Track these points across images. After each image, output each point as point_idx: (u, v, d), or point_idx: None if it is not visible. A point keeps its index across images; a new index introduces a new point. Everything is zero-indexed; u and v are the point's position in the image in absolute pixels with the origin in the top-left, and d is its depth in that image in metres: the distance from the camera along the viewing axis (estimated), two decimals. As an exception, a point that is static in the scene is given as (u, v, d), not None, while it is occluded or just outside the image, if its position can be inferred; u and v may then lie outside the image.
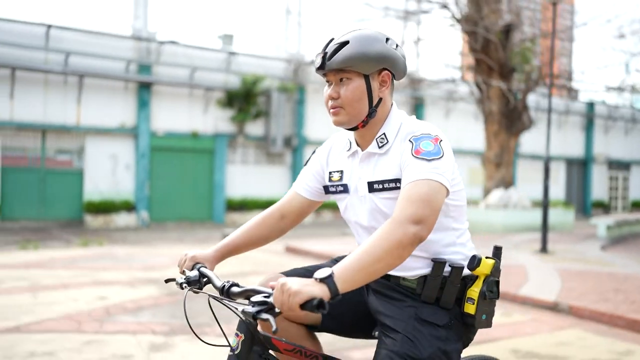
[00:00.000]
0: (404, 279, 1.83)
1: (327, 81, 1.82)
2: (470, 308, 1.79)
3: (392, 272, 1.82)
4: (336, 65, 1.74)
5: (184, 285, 1.79)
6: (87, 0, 33.48)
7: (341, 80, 1.78)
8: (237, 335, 1.70)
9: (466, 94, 21.65)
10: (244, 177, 18.89)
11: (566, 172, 27.16)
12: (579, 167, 27.71)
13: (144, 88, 16.99)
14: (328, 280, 1.44)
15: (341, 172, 1.93)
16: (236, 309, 1.63)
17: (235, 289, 1.65)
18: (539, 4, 21.33)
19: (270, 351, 1.73)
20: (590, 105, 27.29)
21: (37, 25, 15.68)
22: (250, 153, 19.18)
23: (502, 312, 5.80)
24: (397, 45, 1.83)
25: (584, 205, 27.19)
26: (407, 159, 1.70)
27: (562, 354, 4.48)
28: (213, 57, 18.27)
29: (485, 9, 14.19)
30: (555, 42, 11.27)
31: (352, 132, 1.90)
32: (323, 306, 1.39)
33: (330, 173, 1.96)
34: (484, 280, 1.79)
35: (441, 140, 1.72)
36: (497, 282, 1.82)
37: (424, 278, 1.81)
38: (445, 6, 14.42)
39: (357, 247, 1.60)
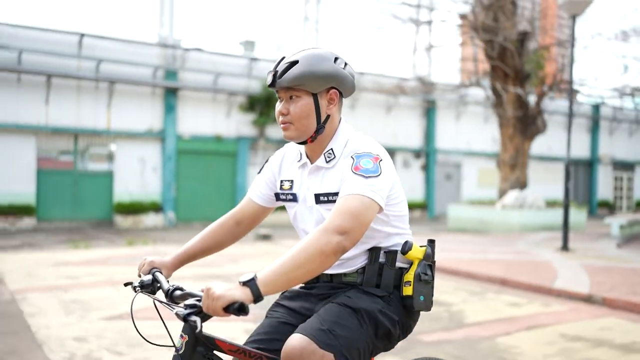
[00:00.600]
0: (345, 275, 1.94)
1: (279, 97, 1.92)
2: (408, 290, 1.90)
3: (333, 271, 1.94)
4: (286, 83, 1.83)
5: (137, 288, 1.90)
6: (116, 10, 34.24)
7: (291, 97, 1.87)
8: (181, 336, 1.76)
9: (477, 97, 22.33)
10: (264, 179, 19.55)
11: (572, 173, 27.83)
12: (585, 168, 28.39)
13: (171, 93, 17.63)
14: (251, 284, 1.51)
15: (291, 181, 2.01)
16: (174, 311, 1.69)
17: (177, 293, 1.77)
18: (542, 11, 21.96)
19: (215, 352, 1.79)
20: (596, 108, 27.96)
21: (70, 34, 16.30)
22: (270, 155, 19.81)
23: (541, 303, 6.44)
24: (345, 64, 1.92)
25: (589, 205, 27.87)
26: (345, 174, 1.80)
27: (606, 337, 5.13)
28: (235, 63, 18.91)
29: (502, 18, 14.84)
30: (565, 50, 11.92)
31: (302, 145, 1.99)
32: (244, 310, 1.47)
33: (282, 181, 2.04)
34: (417, 264, 1.92)
35: (381, 160, 1.81)
36: (431, 266, 1.94)
37: (363, 269, 1.93)
38: (464, 16, 15.08)
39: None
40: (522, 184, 16.19)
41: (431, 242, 1.98)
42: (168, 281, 1.90)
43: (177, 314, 1.63)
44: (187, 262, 2.09)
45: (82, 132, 16.58)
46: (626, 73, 21.34)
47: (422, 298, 1.90)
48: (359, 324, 1.79)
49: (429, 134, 22.80)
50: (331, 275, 1.96)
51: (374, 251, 1.90)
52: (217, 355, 1.81)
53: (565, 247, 10.69)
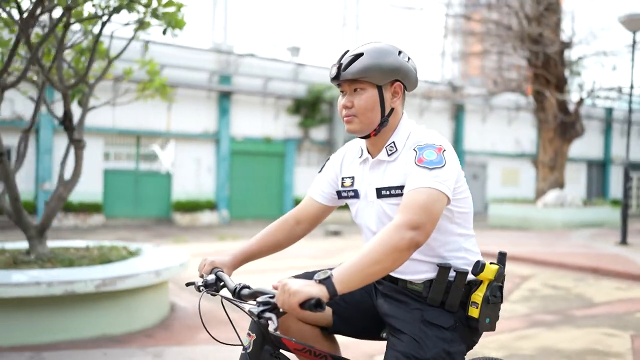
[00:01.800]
0: (410, 282, 1.91)
1: (342, 91, 1.89)
2: (474, 312, 1.84)
3: (399, 276, 1.92)
4: (351, 75, 1.81)
5: (201, 288, 1.88)
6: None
7: (355, 90, 1.85)
8: (249, 334, 1.77)
9: (502, 102, 23.44)
10: (309, 178, 20.52)
11: (587, 173, 29.04)
12: (598, 169, 29.61)
13: (224, 97, 18.53)
14: (327, 282, 1.50)
15: (352, 178, 2.00)
16: (246, 308, 1.69)
17: (245, 291, 1.74)
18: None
19: (282, 350, 1.82)
20: (609, 111, 29.18)
21: (137, 41, 17.11)
22: (314, 156, 20.79)
23: (644, 287, 7.49)
24: (408, 58, 1.90)
25: (603, 204, 29.10)
26: (410, 167, 1.77)
27: None
28: (283, 68, 19.86)
29: (547, 30, 15.90)
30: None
31: (364, 140, 1.97)
32: (321, 305, 1.45)
33: (343, 179, 2.03)
34: (487, 285, 1.85)
35: (444, 150, 1.77)
36: (501, 288, 1.88)
37: (430, 282, 1.87)
38: (509, 28, 16.14)
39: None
40: (560, 184, 17.29)
41: (501, 257, 1.93)
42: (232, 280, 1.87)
43: (249, 312, 1.62)
44: (247, 261, 2.05)
45: (144, 134, 17.45)
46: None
47: (487, 320, 1.85)
48: None
49: (457, 135, 23.86)
50: (396, 278, 1.95)
51: (444, 269, 1.85)
52: (283, 354, 1.83)
53: (624, 241, 11.76)
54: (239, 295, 1.75)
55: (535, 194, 18.16)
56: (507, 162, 25.40)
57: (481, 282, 1.87)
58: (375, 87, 1.84)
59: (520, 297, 6.81)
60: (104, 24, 4.79)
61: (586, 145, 28.10)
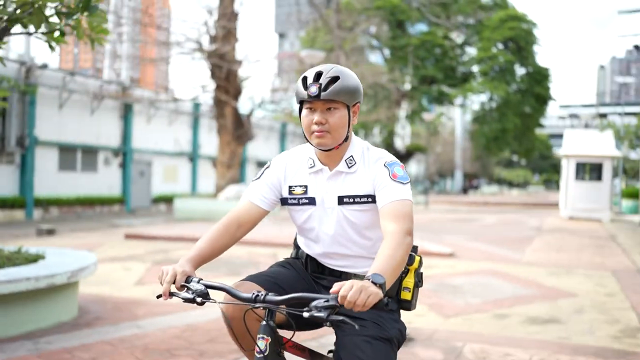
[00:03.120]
0: (355, 275, 2.21)
1: (309, 108, 2.07)
2: (407, 295, 2.16)
3: (344, 270, 2.25)
4: (331, 96, 2.02)
5: (198, 299, 1.85)
6: None
7: (329, 109, 2.05)
8: (263, 338, 1.86)
9: (164, 104, 25.33)
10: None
11: (256, 171, 33.21)
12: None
13: None
14: (383, 286, 1.69)
15: (305, 186, 2.18)
16: (305, 314, 1.69)
17: (271, 298, 1.81)
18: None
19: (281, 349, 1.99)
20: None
21: None
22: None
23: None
24: None
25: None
26: (384, 181, 2.07)
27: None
28: None
29: (228, 46, 18.51)
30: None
31: (313, 152, 2.19)
32: (387, 305, 1.73)
33: (291, 187, 2.20)
34: (414, 272, 2.18)
35: (404, 167, 2.13)
36: (422, 274, 2.22)
37: None
38: (199, 43, 18.15)
39: (378, 256, 1.87)
40: (236, 181, 20.19)
41: (415, 248, 2.22)
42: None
43: (313, 316, 1.65)
44: (201, 265, 2.06)
45: None
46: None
47: (415, 301, 2.19)
48: (393, 354, 2.03)
49: (126, 134, 24.65)
50: (341, 272, 2.23)
51: None
52: (283, 353, 2.02)
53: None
54: (264, 301, 1.81)
55: (215, 189, 20.67)
56: (168, 160, 27.33)
57: (408, 270, 2.18)
58: (345, 106, 2.07)
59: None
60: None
61: (258, 148, 32.28)
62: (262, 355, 1.85)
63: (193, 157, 28.45)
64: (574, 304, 6.71)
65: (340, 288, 1.64)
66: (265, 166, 2.27)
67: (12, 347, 4.29)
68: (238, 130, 19.78)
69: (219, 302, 1.94)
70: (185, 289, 1.88)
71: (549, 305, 6.64)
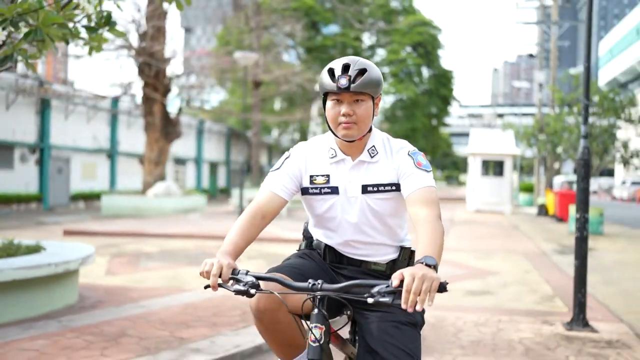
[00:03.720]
0: (375, 263, 2.26)
1: (336, 100, 2.10)
2: None
3: (364, 259, 2.27)
4: (360, 88, 2.04)
5: (252, 290, 1.88)
6: None
7: (356, 101, 2.08)
8: (317, 327, 1.90)
9: (85, 99, 24.91)
10: None
11: (184, 168, 32.92)
12: (192, 165, 33.91)
13: None
14: (437, 268, 1.76)
15: (327, 176, 2.20)
16: (369, 300, 1.75)
17: (329, 286, 1.88)
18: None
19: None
20: (201, 122, 33.80)
21: None
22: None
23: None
24: None
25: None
26: (409, 169, 2.13)
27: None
28: None
29: (157, 45, 18.72)
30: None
31: (333, 142, 2.22)
32: (445, 288, 1.71)
33: (312, 177, 2.22)
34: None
35: (424, 155, 2.20)
36: None
37: (392, 261, 2.26)
38: (127, 41, 18.20)
39: (419, 240, 1.94)
40: (163, 178, 20.40)
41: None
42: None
43: (378, 302, 1.72)
44: (238, 257, 2.05)
45: None
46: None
47: None
48: (420, 337, 2.09)
49: (43, 130, 24.02)
50: (361, 260, 2.27)
51: (406, 250, 2.28)
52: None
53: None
54: (322, 289, 1.87)
55: (142, 186, 20.73)
56: (86, 156, 26.83)
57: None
58: (371, 98, 2.10)
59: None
60: None
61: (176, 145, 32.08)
62: (317, 343, 1.90)
63: (112, 154, 28.09)
64: (500, 280, 7.95)
65: (402, 277, 1.70)
66: (285, 156, 2.28)
67: (40, 325, 4.79)
68: (167, 127, 20.01)
69: (278, 293, 1.92)
70: (234, 281, 1.90)
71: (480, 281, 7.83)
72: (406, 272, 1.69)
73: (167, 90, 19.66)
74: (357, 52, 40.80)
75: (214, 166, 39.41)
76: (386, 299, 1.71)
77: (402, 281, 1.69)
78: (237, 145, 41.29)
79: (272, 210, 2.17)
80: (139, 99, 20.29)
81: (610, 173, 55.47)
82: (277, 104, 40.32)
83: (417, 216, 2.02)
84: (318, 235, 2.35)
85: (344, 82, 2.03)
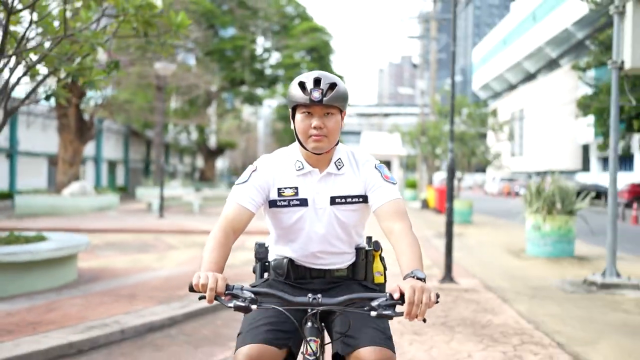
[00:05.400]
0: (337, 270, 2.33)
1: (307, 112, 2.14)
2: (380, 279, 2.37)
3: (327, 267, 2.32)
4: (331, 101, 2.10)
5: (252, 306, 1.87)
6: None
7: (326, 114, 2.13)
8: (314, 340, 1.94)
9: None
10: None
11: (95, 168, 32.74)
12: (112, 165, 33.84)
13: None
14: (425, 280, 1.84)
15: (295, 188, 2.23)
16: (371, 313, 1.81)
17: (328, 300, 1.91)
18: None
19: None
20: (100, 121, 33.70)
21: None
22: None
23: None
24: None
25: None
26: (377, 182, 2.22)
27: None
28: None
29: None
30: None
31: (299, 154, 2.25)
32: (438, 300, 1.78)
33: (280, 189, 2.23)
34: (379, 258, 2.39)
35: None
36: (384, 258, 2.41)
37: (352, 265, 2.34)
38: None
39: (400, 253, 2.03)
40: (77, 177, 21.24)
41: (369, 238, 2.41)
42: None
43: (381, 315, 1.79)
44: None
45: None
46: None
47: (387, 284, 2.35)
48: (387, 321, 2.17)
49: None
50: (325, 270, 2.32)
51: (362, 250, 2.34)
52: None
53: (162, 215, 17.28)
54: (321, 304, 1.90)
55: (56, 186, 21.40)
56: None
57: (374, 256, 2.40)
58: (339, 112, 2.18)
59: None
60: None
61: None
62: (314, 356, 1.94)
63: (11, 154, 28.00)
64: (392, 257, 10.36)
65: (400, 289, 1.79)
66: (251, 169, 2.27)
67: (63, 292, 6.44)
68: (81, 129, 20.87)
69: (281, 308, 1.93)
70: (230, 296, 1.88)
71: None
72: (405, 286, 1.77)
73: (82, 93, 20.49)
74: (253, 55, 42.65)
75: (112, 165, 39.66)
76: (388, 312, 1.80)
77: (402, 294, 1.79)
78: (136, 144, 41.75)
79: (241, 224, 2.18)
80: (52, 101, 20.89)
81: (484, 170, 61.44)
82: (173, 103, 41.04)
83: (392, 229, 2.12)
84: (280, 251, 2.37)
85: (317, 95, 2.08)
